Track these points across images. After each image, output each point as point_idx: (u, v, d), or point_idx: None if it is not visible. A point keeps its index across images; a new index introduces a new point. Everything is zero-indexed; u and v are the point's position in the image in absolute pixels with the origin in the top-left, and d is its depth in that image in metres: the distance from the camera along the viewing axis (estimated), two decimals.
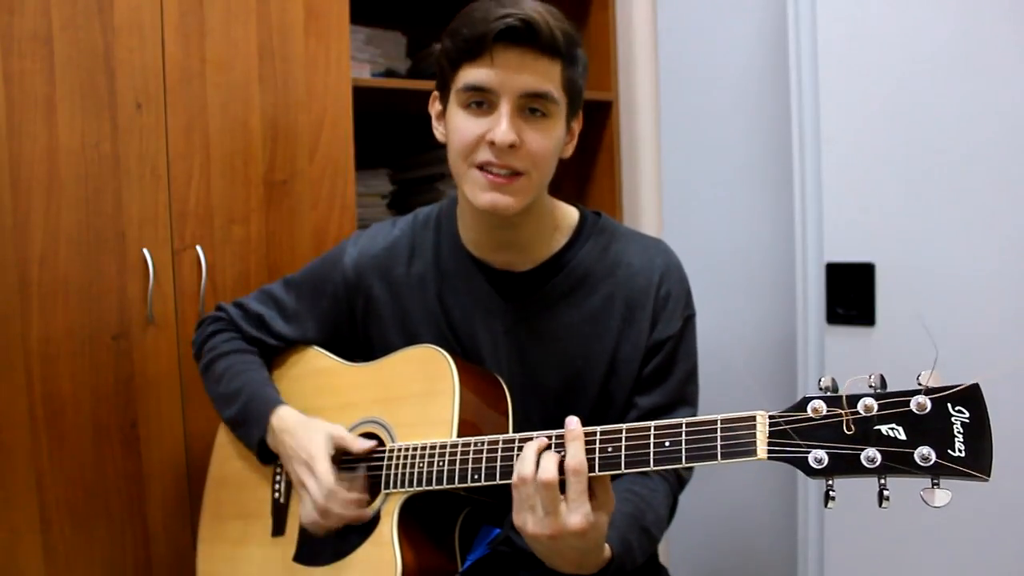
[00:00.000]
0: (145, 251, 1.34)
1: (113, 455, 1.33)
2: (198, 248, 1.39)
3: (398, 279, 1.16)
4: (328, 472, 1.03)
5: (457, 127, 1.03)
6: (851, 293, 1.53)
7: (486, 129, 1.00)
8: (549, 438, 0.89)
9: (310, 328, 1.22)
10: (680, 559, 1.98)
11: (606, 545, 0.93)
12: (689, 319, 1.14)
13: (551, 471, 0.85)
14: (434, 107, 1.11)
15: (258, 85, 1.43)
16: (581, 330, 1.10)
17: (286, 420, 1.12)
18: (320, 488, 1.02)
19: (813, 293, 1.60)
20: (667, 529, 1.12)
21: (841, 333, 1.55)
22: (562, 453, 0.86)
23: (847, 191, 1.53)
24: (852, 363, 1.54)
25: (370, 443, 1.06)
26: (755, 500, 1.84)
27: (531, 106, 1.00)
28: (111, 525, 1.33)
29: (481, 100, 1.00)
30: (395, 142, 2.04)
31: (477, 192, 1.02)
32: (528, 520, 0.87)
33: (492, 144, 0.99)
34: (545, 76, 0.99)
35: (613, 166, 1.99)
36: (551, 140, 1.03)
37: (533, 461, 0.87)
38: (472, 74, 0.99)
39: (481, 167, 1.01)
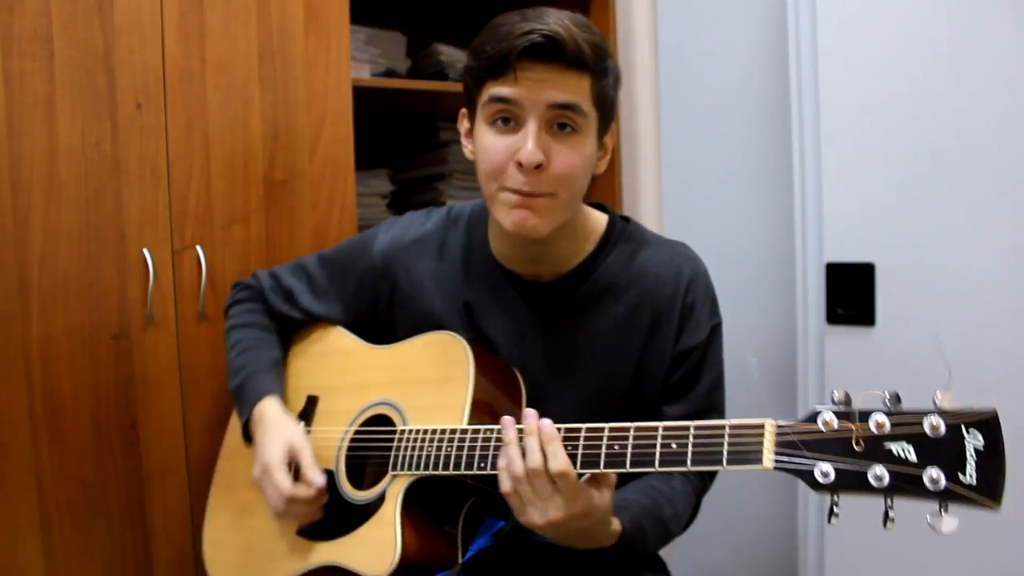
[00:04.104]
0: (145, 251, 1.34)
1: (113, 455, 1.33)
2: (198, 248, 1.39)
3: (424, 273, 1.17)
4: (284, 481, 1.06)
5: (484, 146, 1.01)
6: (851, 293, 1.53)
7: (513, 148, 0.98)
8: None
9: (337, 308, 1.25)
10: (680, 559, 1.98)
11: (615, 520, 0.95)
12: (716, 328, 1.13)
13: (535, 461, 0.87)
14: (462, 125, 1.09)
15: (258, 85, 1.43)
16: (607, 338, 1.10)
17: (264, 413, 1.16)
18: (278, 496, 1.06)
19: (813, 293, 1.60)
20: (688, 527, 1.13)
21: (841, 333, 1.56)
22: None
23: (847, 191, 1.53)
24: (852, 363, 1.54)
25: (322, 478, 1.07)
26: (755, 499, 1.84)
27: (560, 120, 0.98)
28: (111, 525, 1.33)
29: (508, 115, 0.98)
30: (395, 142, 2.04)
31: (505, 213, 1.01)
32: (534, 514, 0.89)
33: (520, 165, 0.97)
34: (573, 89, 0.97)
35: (613, 166, 1.99)
36: (581, 157, 1.00)
37: (519, 458, 0.89)
38: (497, 89, 0.97)
39: (509, 190, 1.00)
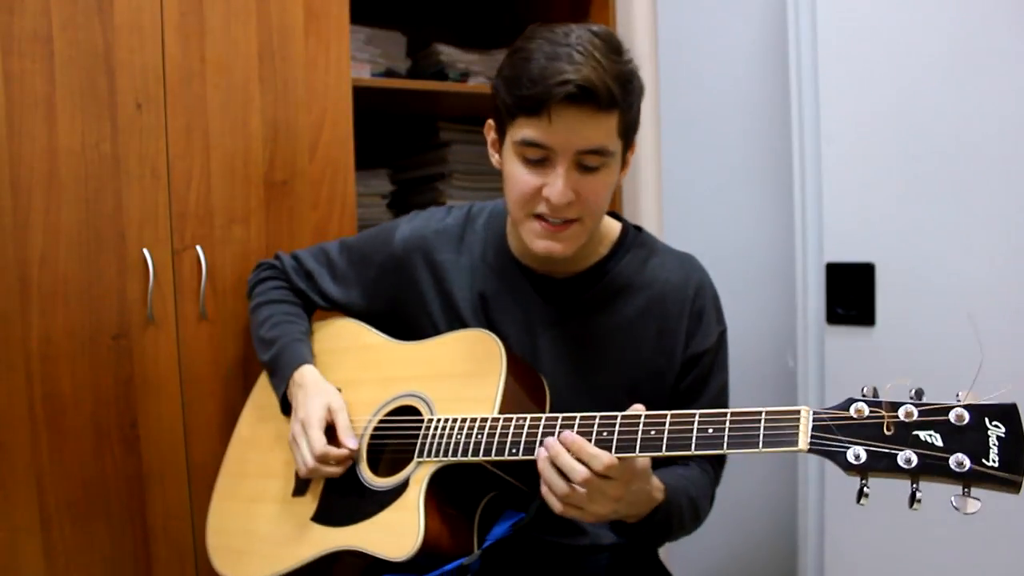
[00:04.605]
0: (145, 251, 1.34)
1: (113, 455, 1.33)
2: (198, 248, 1.39)
3: (443, 263, 1.20)
4: (318, 440, 1.11)
5: (515, 178, 1.05)
6: (851, 293, 1.53)
7: (543, 183, 1.02)
8: (591, 419, 0.93)
9: (355, 294, 1.28)
10: (680, 559, 1.98)
11: (654, 479, 0.98)
12: (723, 334, 1.18)
13: (581, 472, 0.89)
14: (489, 135, 1.12)
15: (258, 85, 1.43)
16: (616, 338, 1.14)
17: (304, 377, 1.20)
18: (310, 452, 1.11)
19: (813, 293, 1.60)
20: (705, 518, 1.15)
21: (841, 333, 1.56)
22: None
23: (847, 191, 1.53)
24: (852, 363, 1.54)
25: (355, 442, 1.11)
26: (755, 499, 1.84)
27: (587, 162, 1.01)
28: (111, 525, 1.33)
29: (539, 156, 1.02)
30: (395, 142, 2.04)
31: (533, 239, 1.06)
32: (597, 508, 0.91)
33: (548, 199, 1.02)
34: (603, 131, 1.00)
35: None
36: (607, 187, 1.05)
37: (559, 478, 0.91)
38: (529, 130, 1.00)
39: (538, 216, 1.05)
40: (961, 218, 1.41)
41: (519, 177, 1.04)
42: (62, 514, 1.29)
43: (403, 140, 2.04)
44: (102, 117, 1.31)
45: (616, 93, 0.99)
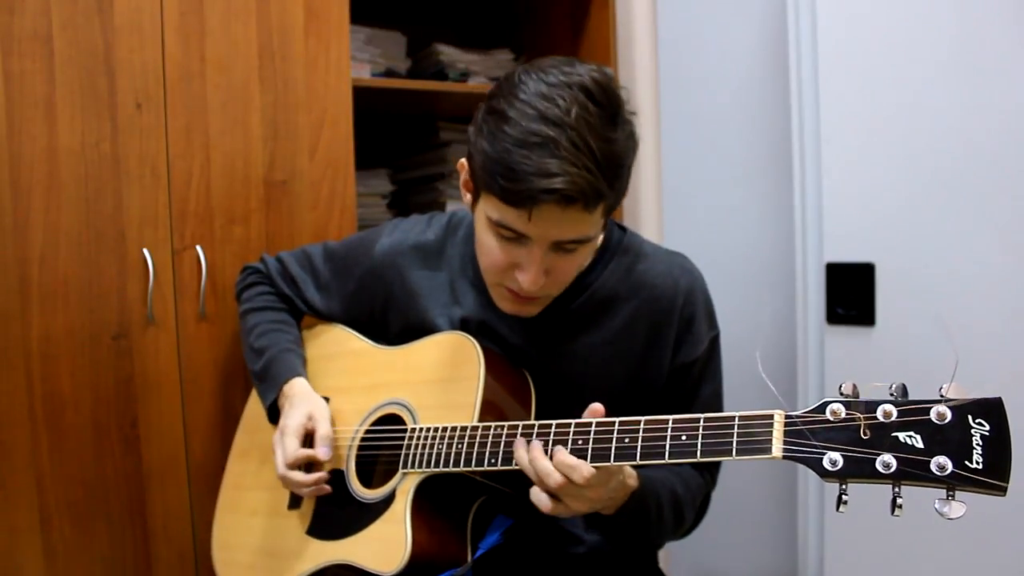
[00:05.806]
0: (145, 251, 1.34)
1: (113, 455, 1.33)
2: (198, 248, 1.39)
3: (419, 281, 1.17)
4: (291, 446, 1.10)
5: (485, 248, 0.99)
6: (851, 293, 1.53)
7: (515, 260, 0.97)
8: (567, 427, 0.92)
9: (336, 304, 1.27)
10: (680, 559, 1.98)
11: (626, 467, 0.97)
12: (714, 340, 1.14)
13: (557, 480, 0.89)
14: (463, 174, 1.04)
15: (258, 85, 1.43)
16: (602, 352, 1.10)
17: (293, 388, 1.19)
18: (282, 460, 1.10)
19: (813, 293, 1.60)
20: (697, 521, 1.15)
21: (841, 333, 1.55)
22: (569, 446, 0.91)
23: (847, 191, 1.53)
24: (852, 363, 1.54)
25: (327, 452, 1.11)
26: (755, 499, 1.84)
27: (565, 246, 0.96)
28: (111, 525, 1.33)
29: (512, 235, 0.95)
30: (395, 142, 2.04)
31: (500, 302, 1.05)
32: (576, 506, 0.92)
33: (518, 281, 0.97)
34: (586, 224, 0.94)
35: None
36: (581, 261, 1.02)
37: (538, 480, 0.91)
38: (506, 216, 0.93)
39: (508, 288, 1.01)
40: (961, 218, 1.40)
41: (490, 249, 0.98)
42: (62, 514, 1.29)
43: (403, 140, 2.04)
44: (102, 117, 1.31)
45: (605, 190, 0.91)
